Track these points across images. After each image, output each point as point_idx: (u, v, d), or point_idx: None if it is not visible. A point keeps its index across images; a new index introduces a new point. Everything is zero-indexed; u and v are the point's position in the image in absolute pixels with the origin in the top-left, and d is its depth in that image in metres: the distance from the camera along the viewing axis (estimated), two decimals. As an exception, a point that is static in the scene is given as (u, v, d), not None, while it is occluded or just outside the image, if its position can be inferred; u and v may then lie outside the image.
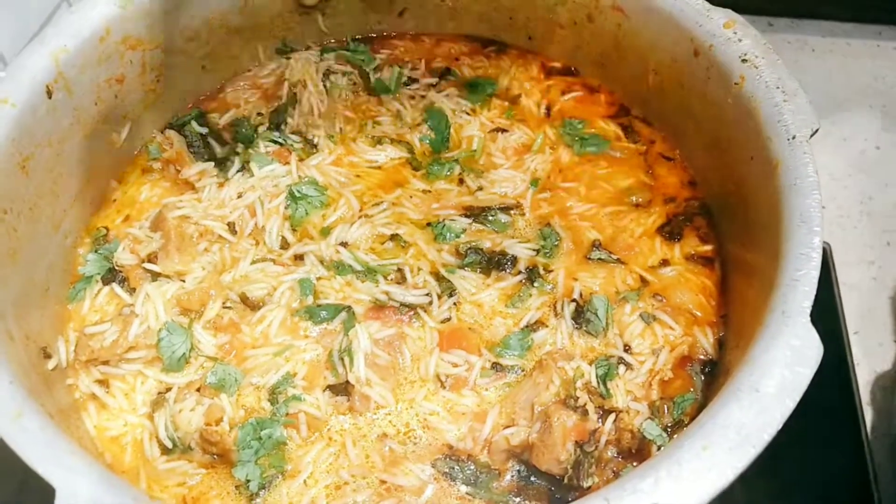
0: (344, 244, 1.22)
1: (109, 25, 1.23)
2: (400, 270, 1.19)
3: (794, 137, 1.03)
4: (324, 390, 1.08)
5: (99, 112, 1.25)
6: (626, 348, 1.12)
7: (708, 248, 1.23)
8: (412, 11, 1.51)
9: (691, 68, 1.22)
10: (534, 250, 1.21)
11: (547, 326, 1.14)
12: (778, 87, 1.08)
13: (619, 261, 1.21)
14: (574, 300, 1.15)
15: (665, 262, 1.21)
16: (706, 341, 1.13)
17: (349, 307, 1.14)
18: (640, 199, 1.29)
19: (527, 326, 1.14)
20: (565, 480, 0.98)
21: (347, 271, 1.19)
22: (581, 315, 1.14)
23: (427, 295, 1.16)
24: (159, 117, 1.39)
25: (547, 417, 1.02)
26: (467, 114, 1.40)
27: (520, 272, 1.19)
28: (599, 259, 1.21)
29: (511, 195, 1.29)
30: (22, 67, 1.13)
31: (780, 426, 0.80)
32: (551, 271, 1.20)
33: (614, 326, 1.13)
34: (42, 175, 1.14)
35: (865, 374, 1.46)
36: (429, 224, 1.24)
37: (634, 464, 1.01)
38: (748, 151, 1.11)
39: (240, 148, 1.34)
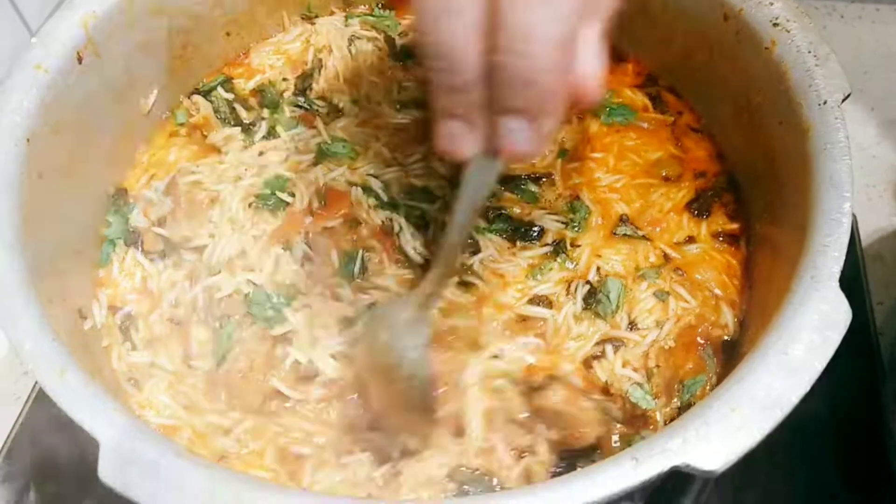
0: (374, 176, 1.24)
1: (136, -10, 1.24)
2: (422, 216, 1.20)
3: (825, 102, 1.02)
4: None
5: (126, 78, 1.26)
6: (631, 326, 1.12)
7: (735, 226, 1.21)
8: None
9: (720, 32, 1.21)
10: (563, 223, 1.21)
11: (552, 306, 1.13)
12: (809, 52, 1.06)
13: (644, 237, 1.20)
14: (588, 282, 1.15)
15: (691, 239, 1.20)
16: (728, 319, 1.12)
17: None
18: (670, 173, 1.28)
19: (530, 301, 1.14)
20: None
21: (370, 195, 1.21)
22: (593, 296, 1.14)
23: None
24: (185, 83, 1.40)
25: (542, 410, 1.02)
26: None
27: (546, 244, 1.19)
28: (625, 235, 1.20)
29: (541, 165, 1.28)
30: (53, 33, 1.14)
31: (808, 389, 0.81)
32: (578, 246, 1.19)
33: (624, 307, 1.13)
34: (73, 139, 1.15)
35: (889, 344, 1.46)
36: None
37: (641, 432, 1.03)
38: (777, 117, 1.10)
39: (265, 113, 1.35)
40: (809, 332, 0.84)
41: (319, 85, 1.38)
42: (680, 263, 1.18)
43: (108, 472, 0.76)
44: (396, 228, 1.17)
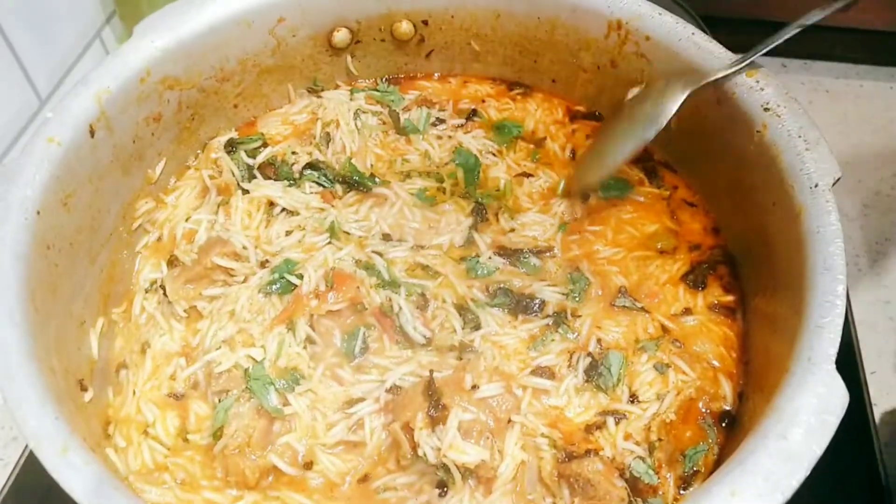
0: (378, 254, 1.26)
1: (150, 67, 1.27)
2: (423, 295, 1.22)
3: (816, 185, 1.05)
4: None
5: (136, 149, 1.30)
6: (632, 399, 1.13)
7: (730, 298, 1.24)
8: (439, 53, 1.55)
9: (714, 115, 1.26)
10: (563, 294, 1.24)
11: (554, 377, 1.15)
12: (800, 136, 1.10)
13: (643, 309, 1.23)
14: (590, 354, 1.17)
15: (687, 311, 1.23)
16: (726, 391, 1.14)
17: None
18: (666, 246, 1.31)
19: (533, 372, 1.15)
20: None
21: (374, 274, 1.22)
22: (594, 369, 1.15)
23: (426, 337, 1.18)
24: (191, 154, 1.43)
25: (573, 477, 1.04)
26: (493, 155, 1.43)
27: (548, 315, 1.21)
28: (624, 306, 1.23)
29: (542, 239, 1.32)
30: (67, 107, 1.17)
31: (807, 473, 0.82)
32: (579, 317, 1.21)
33: (625, 379, 1.15)
34: (82, 211, 1.18)
35: (883, 413, 1.47)
36: (462, 259, 1.27)
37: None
38: (770, 198, 1.14)
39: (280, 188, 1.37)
40: (807, 415, 0.85)
41: (327, 158, 1.41)
42: (678, 335, 1.20)
43: (110, 556, 0.75)
44: (396, 308, 1.19)
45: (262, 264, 1.26)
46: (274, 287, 1.21)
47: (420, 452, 1.04)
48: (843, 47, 2.05)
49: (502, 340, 1.19)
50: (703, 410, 1.12)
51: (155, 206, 1.35)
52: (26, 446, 1.39)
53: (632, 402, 1.13)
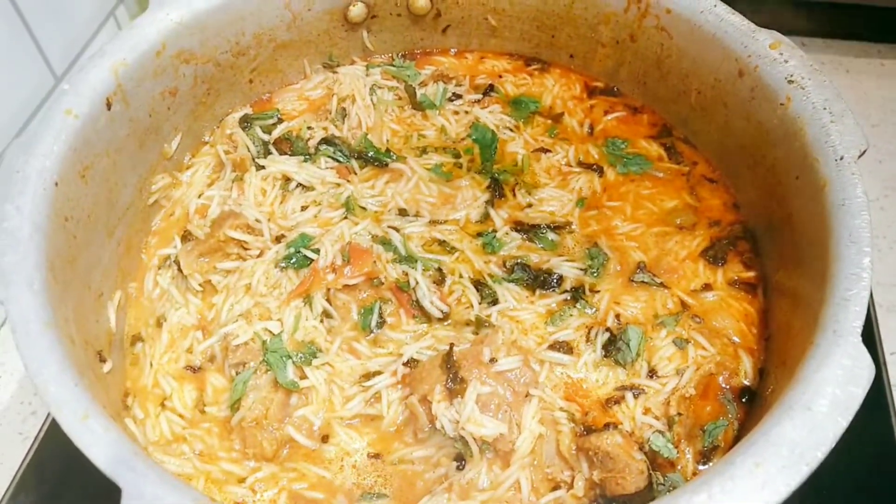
0: (395, 229, 1.26)
1: (166, 40, 1.27)
2: (440, 270, 1.21)
3: (841, 158, 1.03)
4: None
5: (152, 123, 1.29)
6: (651, 373, 1.12)
7: (751, 274, 1.23)
8: (455, 28, 1.54)
9: (735, 89, 1.24)
10: (581, 269, 1.23)
11: (572, 352, 1.14)
12: (825, 109, 1.08)
13: (662, 284, 1.22)
14: (608, 329, 1.16)
15: (707, 287, 1.22)
16: (747, 367, 1.13)
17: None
18: (685, 222, 1.30)
19: (550, 347, 1.14)
20: (654, 487, 1.01)
21: (390, 249, 1.22)
22: (613, 343, 1.14)
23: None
24: (207, 129, 1.43)
25: (592, 450, 1.03)
26: (511, 130, 1.42)
27: (565, 291, 1.20)
28: (643, 282, 1.22)
29: (559, 214, 1.31)
30: (84, 80, 1.17)
31: (833, 444, 0.81)
32: (597, 292, 1.20)
33: (644, 355, 1.14)
34: (99, 184, 1.17)
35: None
36: (479, 234, 1.27)
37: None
38: (793, 171, 1.12)
39: (294, 163, 1.36)
40: (833, 387, 0.84)
41: (343, 133, 1.40)
42: (697, 311, 1.19)
43: (131, 519, 0.75)
44: (413, 283, 1.18)
45: (277, 239, 1.25)
46: (290, 262, 1.21)
47: (438, 425, 1.04)
48: (863, 25, 2.01)
49: (520, 315, 1.18)
50: (723, 386, 1.11)
51: (171, 181, 1.35)
52: (45, 421, 1.39)
53: (650, 377, 1.12)
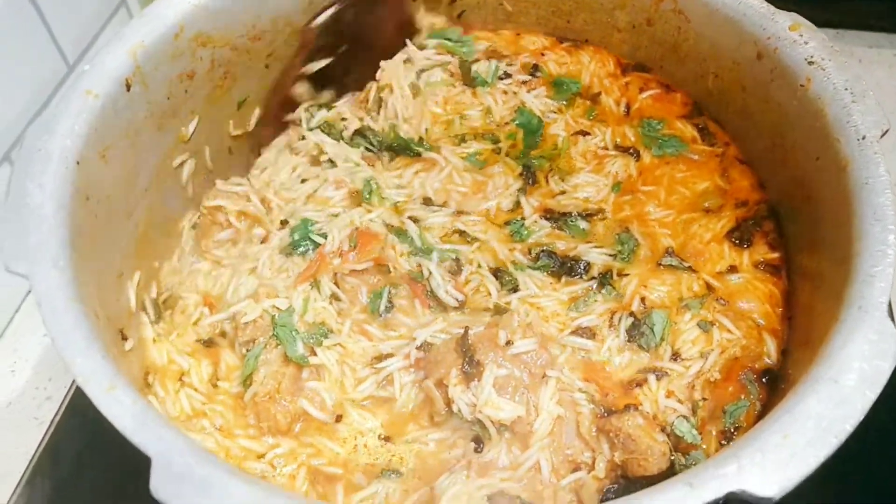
0: (414, 220, 1.25)
1: (183, 23, 1.26)
2: (457, 260, 1.21)
3: (863, 137, 1.03)
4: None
5: (170, 106, 1.29)
6: (675, 356, 1.12)
7: (776, 255, 1.22)
8: (471, 13, 1.54)
9: (754, 71, 1.24)
10: (610, 255, 1.22)
11: (594, 338, 1.14)
12: (846, 89, 1.09)
13: (689, 268, 1.21)
14: (632, 313, 1.15)
15: (733, 269, 1.21)
16: (770, 348, 1.12)
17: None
18: (713, 205, 1.29)
19: (573, 332, 1.14)
20: (676, 468, 1.01)
21: (405, 241, 1.21)
22: (636, 328, 1.14)
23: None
24: (223, 112, 1.43)
25: (613, 432, 1.03)
26: (554, 113, 1.41)
27: (593, 278, 1.20)
28: (670, 265, 1.21)
29: (594, 200, 1.30)
30: (103, 61, 1.17)
31: (861, 417, 0.81)
32: (626, 275, 1.19)
33: (668, 338, 1.13)
34: (118, 165, 1.17)
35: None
36: (507, 223, 1.26)
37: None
38: (814, 152, 1.12)
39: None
40: (860, 361, 0.84)
41: (379, 124, 1.40)
42: (722, 293, 1.18)
43: (160, 486, 0.76)
44: (426, 273, 1.18)
45: (283, 224, 1.26)
46: (297, 249, 1.21)
47: (455, 409, 1.04)
48: (875, 16, 2.01)
49: (540, 302, 1.18)
50: (746, 367, 1.11)
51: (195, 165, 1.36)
52: (60, 406, 1.40)
53: (674, 359, 1.11)
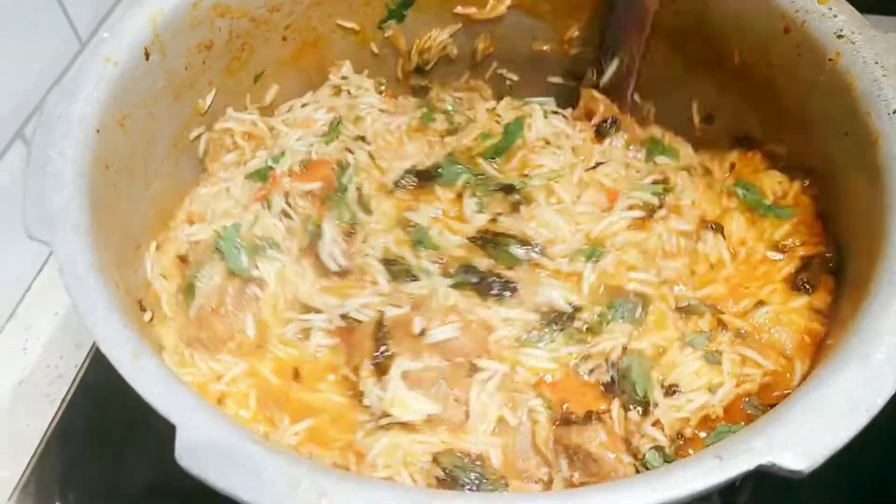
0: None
1: (202, -9, 1.25)
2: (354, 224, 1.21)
3: (894, 111, 1.02)
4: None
5: (188, 76, 1.28)
6: (670, 391, 1.01)
7: (830, 299, 1.09)
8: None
9: (781, 46, 1.21)
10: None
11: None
12: (877, 63, 1.06)
13: (711, 308, 1.11)
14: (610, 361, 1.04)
15: (761, 303, 1.10)
16: (798, 373, 1.02)
17: None
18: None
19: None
20: None
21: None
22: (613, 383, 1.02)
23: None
24: (240, 84, 1.41)
25: (572, 449, 0.94)
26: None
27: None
28: (685, 307, 1.10)
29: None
30: (122, 29, 1.15)
31: (892, 392, 0.80)
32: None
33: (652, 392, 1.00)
34: (137, 135, 1.16)
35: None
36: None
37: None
38: (841, 128, 1.10)
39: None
40: (892, 336, 0.83)
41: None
42: (748, 328, 1.07)
43: (185, 455, 0.75)
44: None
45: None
46: (258, 174, 1.26)
47: (366, 402, 0.98)
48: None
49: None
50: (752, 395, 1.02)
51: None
52: (72, 384, 1.40)
53: (670, 394, 1.01)
